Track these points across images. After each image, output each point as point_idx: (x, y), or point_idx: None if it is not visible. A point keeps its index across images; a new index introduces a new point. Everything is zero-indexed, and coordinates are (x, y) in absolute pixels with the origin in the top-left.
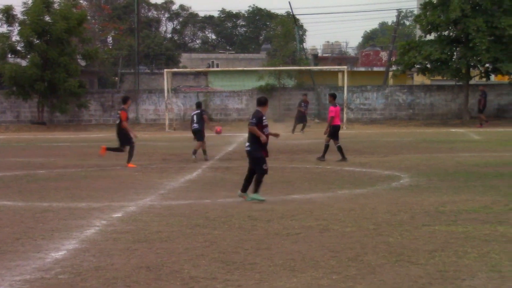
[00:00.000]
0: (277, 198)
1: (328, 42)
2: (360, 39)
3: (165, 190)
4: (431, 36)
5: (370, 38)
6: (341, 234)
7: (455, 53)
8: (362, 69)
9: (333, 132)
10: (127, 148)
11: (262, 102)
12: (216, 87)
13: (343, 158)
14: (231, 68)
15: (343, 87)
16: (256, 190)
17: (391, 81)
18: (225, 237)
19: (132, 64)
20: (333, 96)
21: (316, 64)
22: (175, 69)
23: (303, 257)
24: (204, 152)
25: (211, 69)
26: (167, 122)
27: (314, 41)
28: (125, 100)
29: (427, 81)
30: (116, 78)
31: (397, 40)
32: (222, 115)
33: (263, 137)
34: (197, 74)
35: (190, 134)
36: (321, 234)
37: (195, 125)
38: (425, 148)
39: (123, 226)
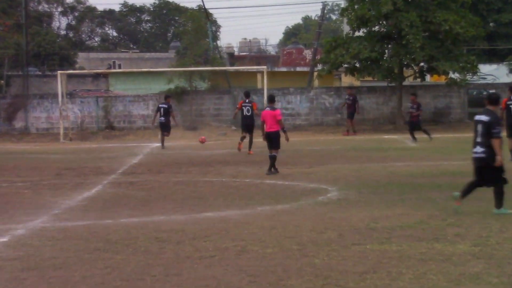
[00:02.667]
0: (188, 217)
1: (245, 39)
2: (281, 36)
3: (59, 210)
4: (360, 32)
5: (292, 35)
6: (261, 256)
7: (386, 51)
8: (284, 69)
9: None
10: None
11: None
12: (118, 90)
13: (270, 171)
14: (135, 69)
15: (262, 89)
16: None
17: (316, 83)
18: (129, 262)
19: (20, 65)
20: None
21: (232, 64)
22: (71, 71)
23: (218, 283)
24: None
25: (112, 70)
26: (62, 131)
27: (229, 38)
28: None
29: (356, 82)
30: (1, 81)
31: (322, 36)
32: (126, 122)
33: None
34: (96, 76)
35: (89, 145)
36: (238, 256)
37: (162, 118)
38: (354, 157)
39: (10, 252)
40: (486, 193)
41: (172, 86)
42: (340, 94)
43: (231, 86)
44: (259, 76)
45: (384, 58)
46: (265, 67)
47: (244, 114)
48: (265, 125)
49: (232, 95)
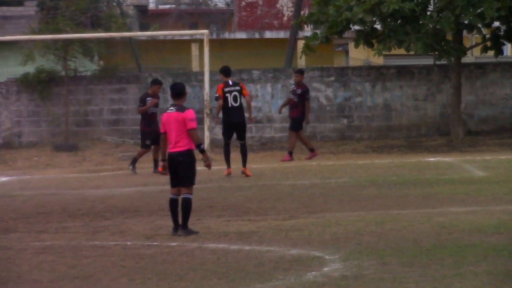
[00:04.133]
0: None
1: None
2: None
3: None
4: None
5: None
6: None
7: (432, 0)
8: (242, 35)
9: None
10: None
11: None
12: None
13: (184, 230)
14: None
15: (201, 73)
16: None
17: (302, 61)
18: None
19: None
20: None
21: (144, 27)
22: None
23: None
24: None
25: None
26: None
27: None
28: None
29: (375, 58)
30: None
31: None
32: None
33: None
34: None
35: None
36: None
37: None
38: (374, 199)
39: None
40: None
41: (30, 68)
42: (348, 81)
43: (142, 68)
44: (194, 49)
45: (428, 13)
46: (206, 31)
47: (230, 105)
48: (165, 141)
49: (144, 85)
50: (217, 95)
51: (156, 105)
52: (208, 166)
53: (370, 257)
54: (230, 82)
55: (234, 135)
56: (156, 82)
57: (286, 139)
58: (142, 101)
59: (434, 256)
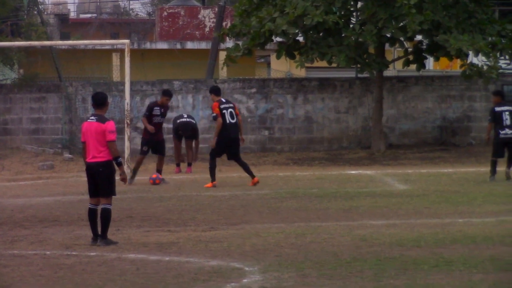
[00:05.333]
0: None
1: None
2: None
3: None
4: None
5: None
6: None
7: (355, 13)
8: (164, 45)
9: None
10: None
11: None
12: None
13: (103, 239)
14: None
15: (122, 83)
16: None
17: (223, 72)
18: None
19: None
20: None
21: (65, 36)
22: None
23: None
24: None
25: None
26: None
27: None
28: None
29: (296, 70)
30: None
31: None
32: None
33: None
34: None
35: None
36: None
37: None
38: (295, 211)
39: None
40: None
41: None
42: (269, 93)
43: (63, 77)
44: (115, 59)
45: (351, 26)
46: (127, 41)
47: (228, 121)
48: (85, 150)
49: (63, 94)
50: (214, 114)
51: (163, 115)
52: (124, 180)
53: (290, 269)
54: (224, 100)
55: None
56: (166, 94)
57: (208, 151)
58: (149, 109)
59: (354, 269)
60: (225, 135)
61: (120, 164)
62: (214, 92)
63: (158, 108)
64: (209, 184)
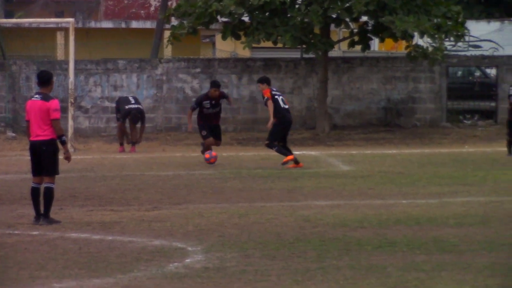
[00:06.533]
0: None
1: None
2: None
3: None
4: None
5: None
6: None
7: None
8: (109, 24)
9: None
10: None
11: None
12: None
13: (45, 218)
14: None
15: (66, 62)
16: None
17: (169, 51)
18: None
19: None
20: None
21: (9, 14)
22: None
23: None
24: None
25: None
26: None
27: None
28: None
29: (243, 50)
30: None
31: None
32: None
33: None
34: None
35: None
36: None
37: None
38: (238, 192)
39: None
40: None
41: None
42: (213, 72)
43: (6, 56)
44: (60, 37)
45: (296, 6)
46: (72, 19)
47: (282, 106)
48: (29, 129)
49: (7, 73)
50: (266, 97)
51: (215, 106)
52: (68, 158)
53: (233, 249)
54: (274, 88)
55: None
56: (214, 85)
57: (152, 131)
58: (198, 103)
59: (297, 250)
60: (282, 120)
61: (64, 143)
62: (267, 82)
63: (208, 101)
64: (288, 159)
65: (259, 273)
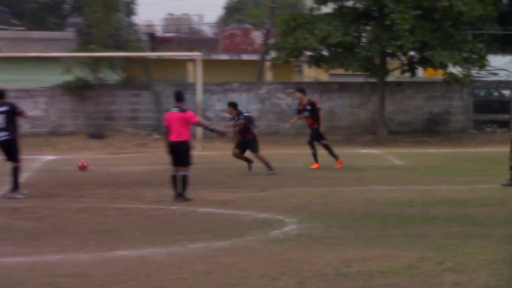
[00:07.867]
0: (94, 256)
1: (171, 15)
2: (221, 11)
3: None
4: (329, 8)
5: (236, 10)
6: None
7: (364, 34)
8: (225, 57)
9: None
10: None
11: None
12: None
13: (183, 197)
14: (19, 54)
15: (195, 84)
16: None
17: (269, 76)
18: None
19: None
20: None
21: (153, 49)
22: None
23: None
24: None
25: None
26: None
27: (150, 13)
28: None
29: (323, 76)
30: None
31: (277, 13)
32: None
33: None
34: None
35: None
36: None
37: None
38: (321, 179)
39: None
40: None
41: (70, 77)
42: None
43: (152, 79)
44: (190, 66)
45: (361, 44)
46: (199, 53)
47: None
48: (169, 133)
49: (153, 91)
50: (318, 106)
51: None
52: (223, 134)
53: (318, 221)
54: (309, 105)
55: None
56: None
57: (259, 133)
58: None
59: (364, 222)
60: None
61: (212, 130)
62: (304, 92)
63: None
64: (339, 162)
65: (337, 239)
